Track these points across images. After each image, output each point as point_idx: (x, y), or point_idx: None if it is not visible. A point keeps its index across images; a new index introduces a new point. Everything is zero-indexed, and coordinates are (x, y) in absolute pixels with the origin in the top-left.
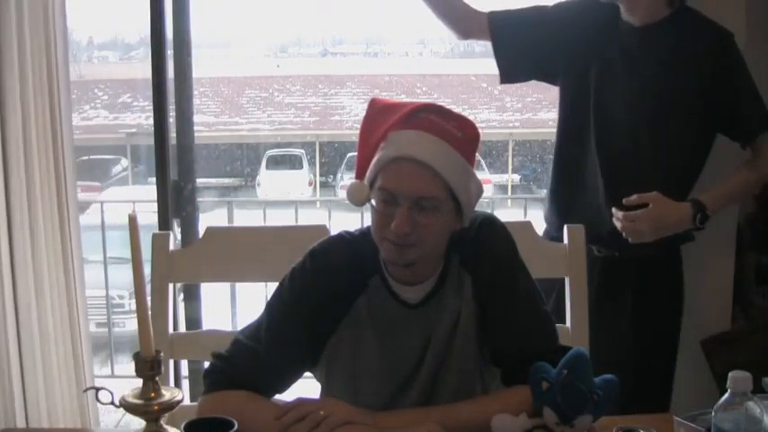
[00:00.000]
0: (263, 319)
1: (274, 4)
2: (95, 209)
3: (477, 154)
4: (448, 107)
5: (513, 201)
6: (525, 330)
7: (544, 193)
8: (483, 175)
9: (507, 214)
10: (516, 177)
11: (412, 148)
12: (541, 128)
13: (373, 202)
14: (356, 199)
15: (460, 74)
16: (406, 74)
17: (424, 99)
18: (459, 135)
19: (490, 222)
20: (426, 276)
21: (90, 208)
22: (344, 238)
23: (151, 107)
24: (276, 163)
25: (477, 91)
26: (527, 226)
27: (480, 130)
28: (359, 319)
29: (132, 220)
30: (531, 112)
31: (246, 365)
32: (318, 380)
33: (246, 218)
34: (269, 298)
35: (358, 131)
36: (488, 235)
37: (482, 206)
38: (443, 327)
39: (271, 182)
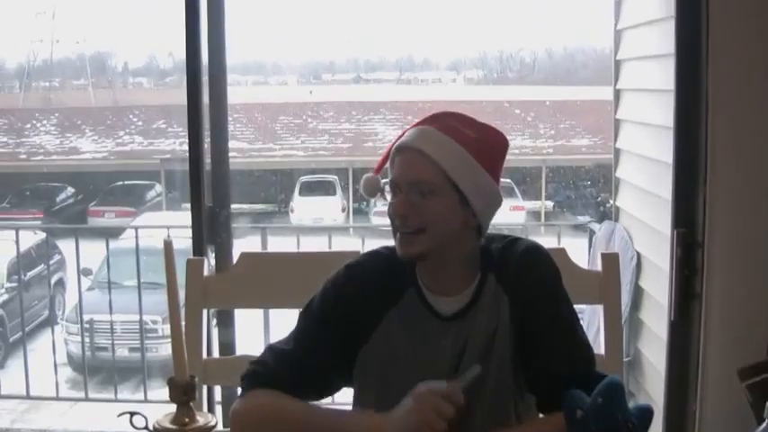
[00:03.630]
0: (297, 326)
1: (307, 31)
2: (130, 234)
3: (506, 179)
4: (468, 116)
5: (547, 227)
6: (562, 356)
7: (579, 219)
8: (516, 201)
9: (540, 241)
10: (549, 204)
11: (410, 139)
12: (575, 154)
13: (387, 197)
14: (365, 189)
15: (494, 100)
16: (439, 100)
17: None
18: (473, 135)
19: (536, 249)
20: (459, 288)
21: (124, 233)
22: (380, 252)
23: (186, 133)
24: (309, 189)
25: (510, 117)
26: (561, 253)
27: (513, 156)
28: (391, 329)
29: (168, 246)
30: (564, 138)
31: (280, 368)
32: (354, 389)
33: (280, 244)
34: (303, 308)
35: None
36: (534, 262)
37: (515, 233)
38: (477, 343)
39: (304, 208)
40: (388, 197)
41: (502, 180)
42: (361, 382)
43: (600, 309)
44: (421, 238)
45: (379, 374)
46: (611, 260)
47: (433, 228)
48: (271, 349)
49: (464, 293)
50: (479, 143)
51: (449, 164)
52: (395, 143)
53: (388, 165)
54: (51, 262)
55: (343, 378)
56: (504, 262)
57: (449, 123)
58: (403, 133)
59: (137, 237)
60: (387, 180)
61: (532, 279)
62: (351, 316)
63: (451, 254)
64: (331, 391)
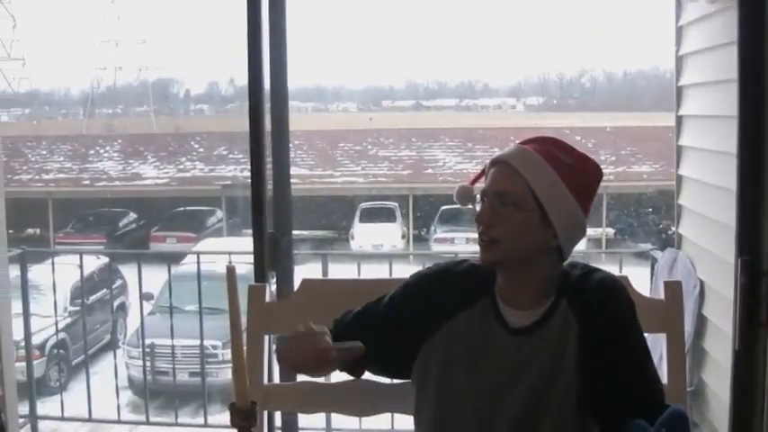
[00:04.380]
0: (382, 298)
1: (367, 57)
2: (191, 259)
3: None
4: (569, 144)
5: (608, 255)
6: (629, 388)
7: (640, 247)
8: None
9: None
10: (611, 231)
11: (504, 154)
12: (636, 181)
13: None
14: (458, 196)
15: (554, 126)
16: (499, 127)
17: None
18: (567, 161)
19: (612, 281)
20: (531, 305)
21: (186, 258)
22: (469, 260)
23: (246, 159)
24: (370, 216)
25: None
26: (623, 281)
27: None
28: (455, 330)
29: (230, 272)
30: (625, 164)
31: (351, 327)
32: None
33: (340, 271)
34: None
35: (453, 185)
36: (608, 295)
37: (576, 260)
38: (542, 361)
39: (364, 235)
40: (478, 207)
41: None
42: (419, 380)
43: (662, 338)
44: (496, 247)
45: (437, 375)
46: (673, 288)
47: (509, 239)
48: (348, 313)
49: (535, 311)
50: (572, 169)
51: (534, 180)
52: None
53: (483, 178)
54: (114, 286)
55: (402, 366)
56: (579, 290)
57: (546, 147)
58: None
59: (198, 262)
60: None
61: (605, 311)
62: (423, 308)
63: (528, 270)
64: (391, 370)
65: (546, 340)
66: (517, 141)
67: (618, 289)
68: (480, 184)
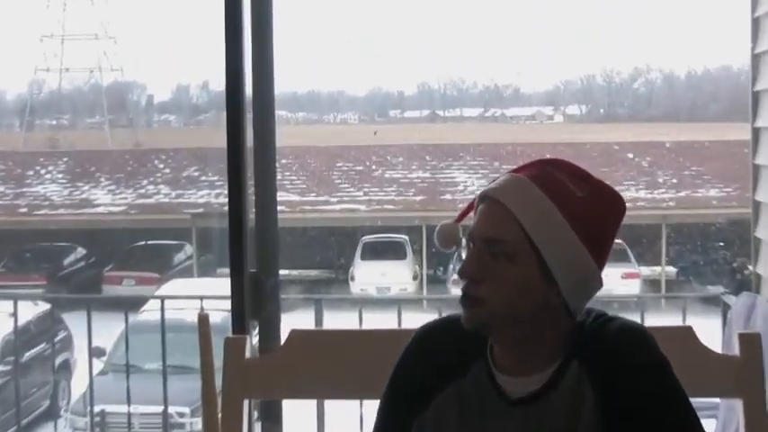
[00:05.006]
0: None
1: (371, 57)
2: (154, 305)
3: (617, 239)
4: (582, 168)
5: (669, 300)
6: None
7: (709, 290)
8: (629, 267)
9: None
10: (672, 270)
11: (495, 187)
12: (703, 208)
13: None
14: (439, 237)
15: (600, 141)
16: (533, 142)
17: None
18: (578, 194)
19: (634, 333)
20: (533, 370)
21: (147, 304)
22: (454, 318)
23: (223, 182)
24: (374, 252)
25: (621, 163)
26: (687, 333)
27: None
28: (447, 403)
29: (203, 321)
30: (689, 188)
31: None
32: None
33: (338, 319)
34: None
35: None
36: (631, 350)
37: (629, 307)
38: None
39: (367, 275)
40: (464, 252)
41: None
42: None
43: (739, 404)
44: (483, 309)
45: None
46: (751, 342)
47: (499, 299)
48: None
49: (539, 376)
50: (584, 206)
51: (532, 223)
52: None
53: (472, 214)
54: (55, 340)
55: None
56: (591, 347)
57: (550, 174)
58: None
59: (162, 309)
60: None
61: (629, 373)
62: (412, 385)
63: (526, 333)
64: None
65: (554, 412)
66: (513, 168)
67: (644, 342)
68: (470, 221)
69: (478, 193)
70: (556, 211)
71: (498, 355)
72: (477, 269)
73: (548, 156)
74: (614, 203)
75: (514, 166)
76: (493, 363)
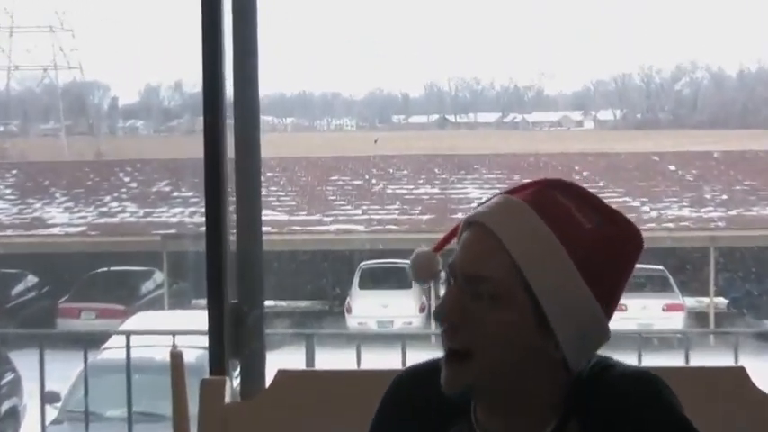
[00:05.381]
0: None
1: (371, 53)
2: (117, 342)
3: (657, 265)
4: (593, 192)
5: (718, 337)
6: None
7: (765, 325)
8: (671, 297)
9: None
10: (722, 302)
11: (483, 211)
12: (758, 229)
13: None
14: (413, 269)
15: (637, 152)
16: (559, 152)
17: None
18: (586, 225)
19: (644, 381)
20: (523, 429)
21: (109, 341)
22: (436, 364)
23: (199, 198)
24: (375, 279)
25: (662, 177)
26: (738, 374)
27: (667, 232)
28: None
29: (176, 360)
30: (741, 206)
31: None
32: None
33: (332, 357)
34: None
35: None
36: (639, 401)
37: (672, 345)
38: None
39: (367, 306)
40: (442, 289)
41: (651, 267)
42: None
43: None
44: (467, 365)
45: None
46: None
47: (486, 352)
48: None
49: None
50: (592, 239)
51: (527, 259)
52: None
53: (456, 241)
54: (1, 383)
55: None
56: (592, 401)
57: (553, 199)
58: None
59: (128, 346)
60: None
61: (635, 425)
62: None
63: (516, 391)
64: None
65: None
66: (506, 189)
67: (655, 393)
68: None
69: (464, 217)
70: (557, 245)
71: (483, 415)
72: (455, 312)
73: (558, 178)
74: (629, 239)
75: (536, 180)
76: (476, 423)
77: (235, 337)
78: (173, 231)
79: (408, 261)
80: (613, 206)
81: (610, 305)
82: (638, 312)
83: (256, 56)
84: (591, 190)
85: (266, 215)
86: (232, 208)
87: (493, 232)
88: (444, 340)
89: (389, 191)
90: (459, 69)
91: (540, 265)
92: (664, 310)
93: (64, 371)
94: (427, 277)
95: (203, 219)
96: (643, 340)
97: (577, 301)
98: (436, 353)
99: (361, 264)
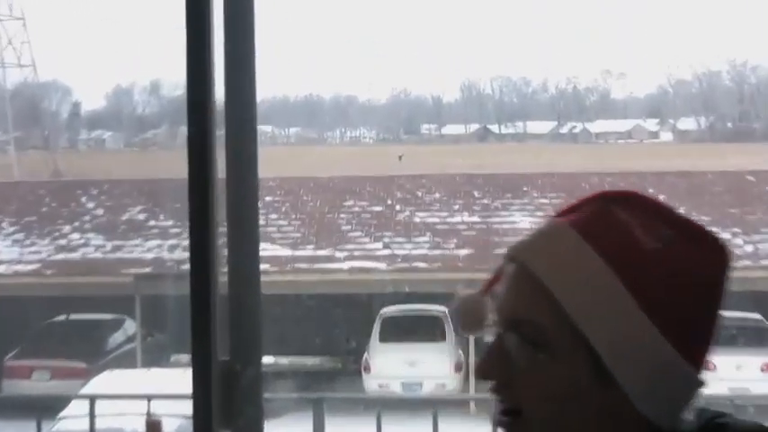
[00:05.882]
0: None
1: (394, 50)
2: (78, 409)
3: (751, 307)
4: (666, 203)
5: None
6: None
7: None
8: None
9: None
10: None
11: (521, 245)
12: None
13: None
14: (459, 317)
15: (727, 170)
16: (629, 171)
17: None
18: (648, 245)
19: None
20: None
21: (69, 407)
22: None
23: (182, 229)
24: (399, 330)
25: (758, 201)
26: None
27: (764, 272)
28: None
29: (153, 430)
30: None
31: None
32: None
33: (347, 428)
34: None
35: None
36: None
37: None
38: None
39: (389, 364)
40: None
41: (746, 316)
42: None
43: None
44: (518, 425)
45: None
46: None
47: (537, 410)
48: None
49: None
50: (657, 262)
51: (573, 299)
52: None
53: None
54: None
55: None
56: None
57: (609, 216)
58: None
59: (92, 414)
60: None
61: None
62: None
63: None
64: None
65: None
66: (562, 208)
67: None
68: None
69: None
70: (609, 277)
71: None
72: (498, 367)
73: (624, 189)
74: (711, 258)
75: (592, 194)
76: None
77: (225, 403)
78: (148, 270)
79: (446, 308)
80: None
81: (691, 345)
82: (731, 373)
83: (253, 51)
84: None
85: (265, 250)
86: (222, 241)
87: (531, 270)
88: (495, 397)
89: (417, 219)
90: (505, 67)
91: (589, 305)
92: (763, 370)
93: None
94: (476, 328)
95: (186, 254)
96: (736, 408)
97: (641, 345)
98: (476, 423)
99: (383, 311)
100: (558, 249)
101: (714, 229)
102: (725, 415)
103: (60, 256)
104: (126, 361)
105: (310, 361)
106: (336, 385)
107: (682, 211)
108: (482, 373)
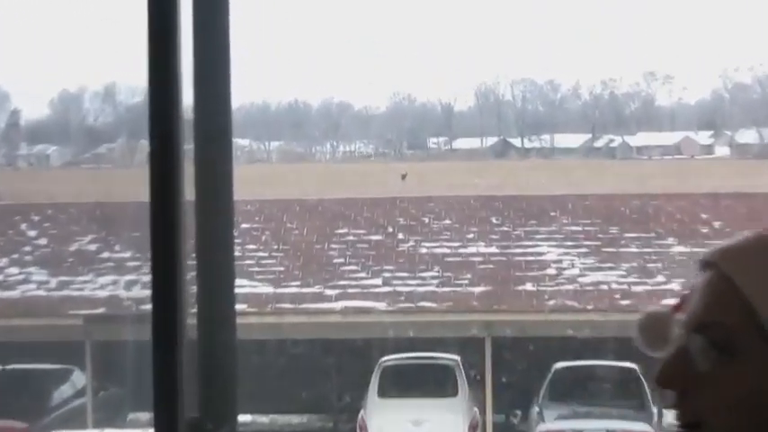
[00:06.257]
0: None
1: (394, 49)
2: None
3: None
4: None
5: None
6: None
7: None
8: None
9: None
10: None
11: (717, 249)
12: None
13: None
14: (643, 333)
15: None
16: (676, 192)
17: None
18: None
19: None
20: None
21: None
22: None
23: (142, 262)
24: (402, 382)
25: None
26: None
27: None
28: None
29: None
30: None
31: None
32: None
33: None
34: None
35: (579, 317)
36: None
37: None
38: None
39: (390, 423)
40: None
41: None
42: None
43: None
44: None
45: None
46: None
47: (719, 422)
48: None
49: None
50: None
51: (764, 302)
52: None
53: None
54: None
55: None
56: None
57: None
58: None
59: None
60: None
61: None
62: None
63: None
64: None
65: None
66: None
67: None
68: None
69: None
70: None
71: None
72: (679, 376)
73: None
74: None
75: (650, 236)
76: None
77: None
78: (100, 311)
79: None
80: None
81: None
82: None
83: (227, 51)
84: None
85: (241, 286)
86: (191, 276)
87: (724, 272)
88: (675, 411)
89: (424, 250)
90: (528, 68)
91: None
92: None
93: None
94: (658, 344)
95: (147, 292)
96: None
97: None
98: None
99: (382, 360)
100: (757, 254)
101: None
102: None
103: None
104: (74, 420)
105: (296, 419)
106: None
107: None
108: (662, 380)
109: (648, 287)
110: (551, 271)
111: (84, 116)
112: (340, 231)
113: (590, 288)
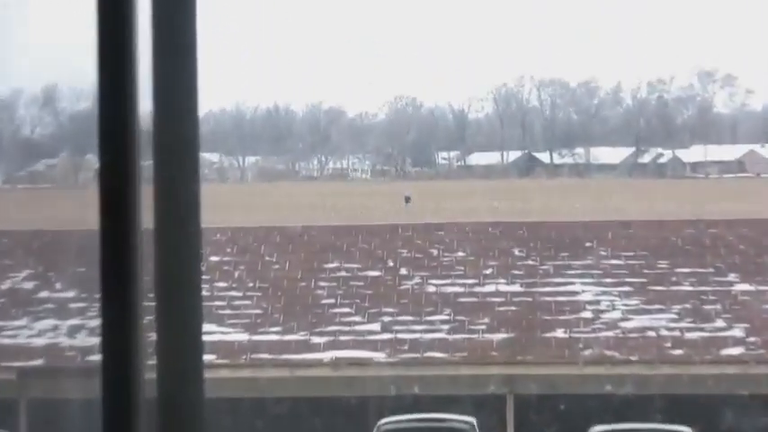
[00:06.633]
0: None
1: (397, 48)
2: None
3: None
4: None
5: None
6: None
7: None
8: None
9: None
10: None
11: None
12: None
13: None
14: None
15: None
16: (737, 217)
17: None
18: None
19: None
20: None
21: None
22: None
23: (88, 304)
24: None
25: None
26: None
27: None
28: None
29: None
30: None
31: None
32: None
33: None
34: None
35: (620, 369)
36: None
37: None
38: None
39: None
40: None
41: None
42: None
43: None
44: None
45: None
46: None
47: None
48: None
49: None
50: None
51: None
52: None
53: None
54: None
55: None
56: None
57: None
58: None
59: None
60: None
61: None
62: None
63: None
64: None
65: None
66: None
67: None
68: None
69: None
70: None
71: None
72: None
73: None
74: None
75: (707, 270)
76: None
77: None
78: (38, 363)
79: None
80: None
81: None
82: None
83: (194, 47)
84: None
85: (211, 333)
86: (149, 320)
87: None
88: None
89: (432, 289)
90: (557, 67)
91: None
92: None
93: None
94: None
95: (95, 339)
96: None
97: None
98: None
99: (381, 422)
100: None
101: None
102: None
103: None
104: None
105: None
106: None
107: None
108: None
109: (705, 333)
110: (587, 314)
111: (17, 126)
112: (330, 266)
113: (634, 335)
